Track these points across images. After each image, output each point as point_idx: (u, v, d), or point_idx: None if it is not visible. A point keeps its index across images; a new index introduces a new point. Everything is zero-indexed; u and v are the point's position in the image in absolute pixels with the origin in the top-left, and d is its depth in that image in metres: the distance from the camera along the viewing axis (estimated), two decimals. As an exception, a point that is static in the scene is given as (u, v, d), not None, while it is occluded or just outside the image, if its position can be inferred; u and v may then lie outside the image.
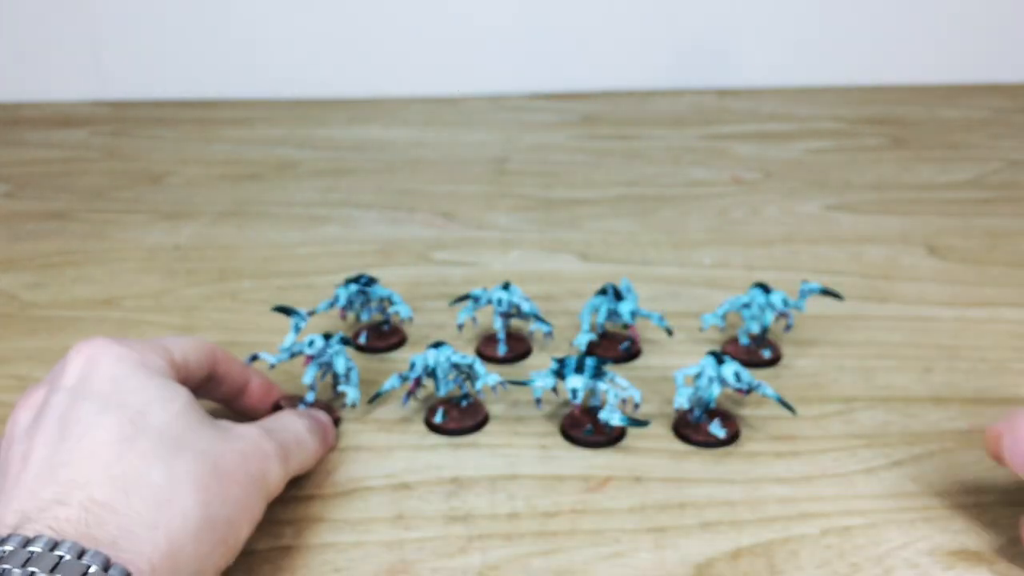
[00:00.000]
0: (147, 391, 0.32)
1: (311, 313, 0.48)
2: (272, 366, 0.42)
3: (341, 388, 0.42)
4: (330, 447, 0.40)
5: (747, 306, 0.47)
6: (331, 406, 0.42)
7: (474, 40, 0.90)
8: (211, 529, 0.29)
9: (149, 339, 0.36)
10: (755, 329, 0.47)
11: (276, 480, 0.34)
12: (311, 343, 0.41)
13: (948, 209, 0.65)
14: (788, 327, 0.48)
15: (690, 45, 0.91)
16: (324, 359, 0.41)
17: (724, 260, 0.58)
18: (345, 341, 0.42)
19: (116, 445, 0.29)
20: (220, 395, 0.40)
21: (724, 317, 0.47)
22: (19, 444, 0.30)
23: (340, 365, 0.41)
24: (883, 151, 0.77)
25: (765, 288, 0.47)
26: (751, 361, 0.46)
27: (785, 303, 0.46)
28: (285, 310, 0.43)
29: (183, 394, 0.33)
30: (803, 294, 0.47)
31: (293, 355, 0.41)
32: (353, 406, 0.42)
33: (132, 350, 0.33)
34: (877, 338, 0.49)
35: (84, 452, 0.29)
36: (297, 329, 0.42)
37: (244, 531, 0.31)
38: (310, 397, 0.41)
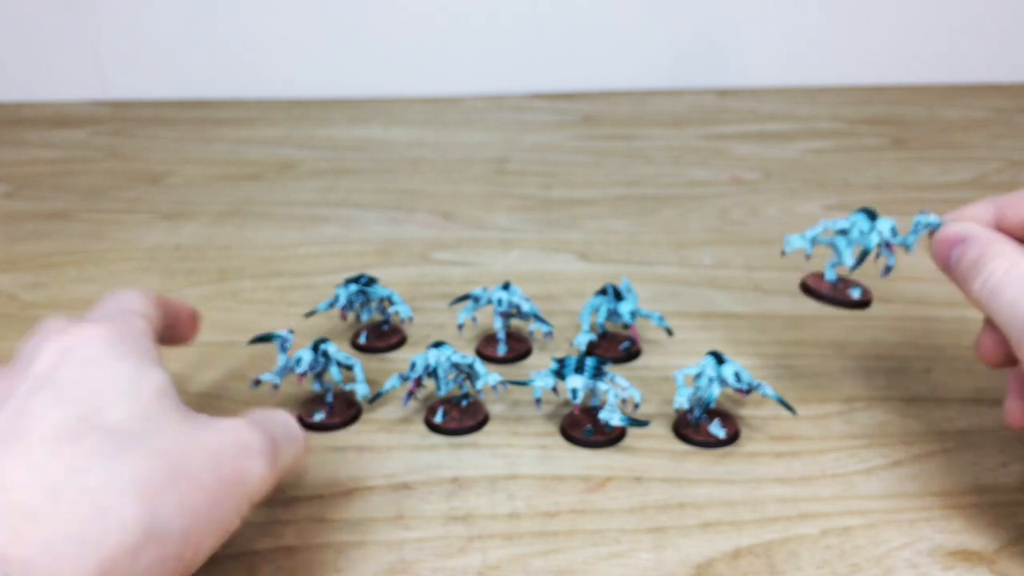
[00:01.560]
0: (114, 381, 0.28)
1: (310, 314, 0.48)
2: (276, 386, 0.41)
3: (349, 388, 0.42)
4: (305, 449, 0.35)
5: (844, 232, 0.39)
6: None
7: (474, 40, 0.90)
8: (157, 543, 0.25)
9: (117, 308, 0.33)
10: (847, 262, 0.39)
11: (259, 480, 0.29)
12: (299, 361, 0.41)
13: (948, 209, 0.65)
14: (888, 269, 0.39)
15: (690, 45, 0.91)
16: (317, 370, 0.41)
17: (724, 260, 0.58)
18: (321, 342, 0.41)
19: (54, 443, 0.26)
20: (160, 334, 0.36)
21: (814, 241, 0.40)
22: None
23: (335, 372, 0.41)
24: (883, 151, 0.77)
25: (872, 214, 0.39)
26: (836, 299, 0.40)
27: (894, 233, 0.39)
28: (264, 338, 0.42)
29: (156, 381, 0.29)
30: (917, 227, 0.38)
31: (286, 373, 0.41)
32: (365, 399, 0.42)
33: (109, 331, 0.30)
34: (877, 338, 0.49)
35: (19, 450, 0.25)
36: (284, 349, 0.41)
37: (207, 543, 0.27)
38: (317, 416, 0.42)
